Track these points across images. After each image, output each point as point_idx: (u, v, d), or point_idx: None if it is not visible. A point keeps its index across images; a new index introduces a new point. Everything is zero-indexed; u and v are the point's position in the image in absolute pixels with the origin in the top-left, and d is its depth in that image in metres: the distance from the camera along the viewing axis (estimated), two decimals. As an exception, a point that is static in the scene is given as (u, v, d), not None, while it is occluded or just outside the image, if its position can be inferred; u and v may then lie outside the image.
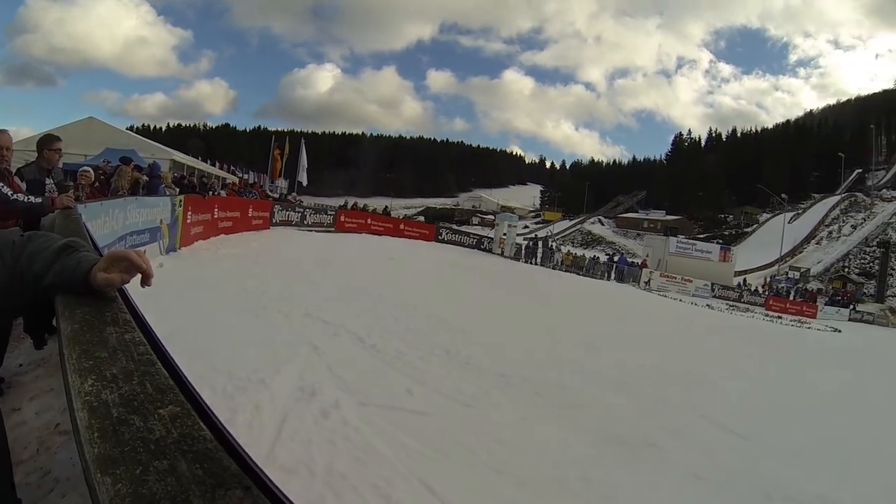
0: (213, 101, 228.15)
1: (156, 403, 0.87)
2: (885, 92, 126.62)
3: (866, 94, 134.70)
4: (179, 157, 26.90)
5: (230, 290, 8.46)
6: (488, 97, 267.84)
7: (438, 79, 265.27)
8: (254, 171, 40.23)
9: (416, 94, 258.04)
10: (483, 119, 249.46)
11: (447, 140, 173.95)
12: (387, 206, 45.82)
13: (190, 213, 12.65)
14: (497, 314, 12.19)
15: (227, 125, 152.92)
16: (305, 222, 23.24)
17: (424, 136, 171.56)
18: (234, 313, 7.17)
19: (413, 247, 24.19)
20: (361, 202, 44.28)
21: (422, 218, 69.95)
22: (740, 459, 5.76)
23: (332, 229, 24.68)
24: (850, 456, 6.89)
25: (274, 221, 20.49)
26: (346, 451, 3.93)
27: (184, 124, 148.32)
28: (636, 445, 5.51)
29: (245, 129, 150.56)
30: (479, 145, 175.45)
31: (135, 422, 0.81)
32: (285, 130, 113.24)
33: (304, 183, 30.68)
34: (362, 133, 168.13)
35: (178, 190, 13.92)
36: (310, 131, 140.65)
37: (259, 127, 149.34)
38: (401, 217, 43.91)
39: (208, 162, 36.21)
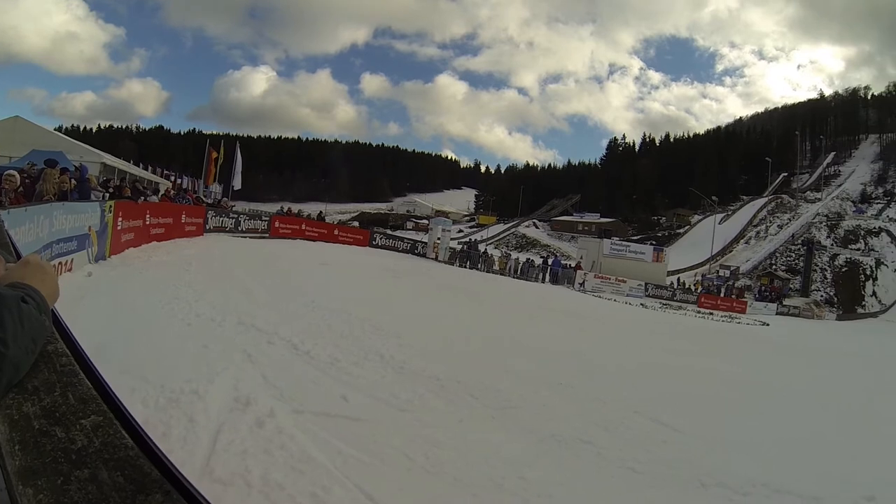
0: (145, 101, 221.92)
1: (78, 414, 0.86)
2: (810, 101, 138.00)
3: (792, 102, 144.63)
4: (110, 159, 26.06)
5: (162, 298, 8.24)
6: (422, 102, 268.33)
7: (373, 83, 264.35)
8: (188, 175, 39.43)
9: (350, 99, 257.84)
10: (417, 123, 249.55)
11: (382, 145, 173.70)
12: (321, 212, 45.59)
13: (120, 219, 12.22)
14: (431, 318, 12.18)
15: (161, 127, 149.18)
16: (240, 228, 22.78)
17: (360, 141, 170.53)
18: (166, 323, 7.00)
19: (347, 252, 24.02)
20: (296, 207, 43.91)
21: (356, 223, 69.62)
22: (674, 451, 5.88)
23: (267, 235, 24.26)
24: (778, 441, 7.13)
25: (207, 228, 20.00)
26: (282, 461, 3.87)
27: (115, 126, 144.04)
28: (571, 443, 5.55)
29: (179, 132, 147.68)
30: (413, 150, 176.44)
31: (56, 433, 0.80)
32: (220, 134, 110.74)
33: (238, 186, 30.04)
34: (297, 137, 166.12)
35: (103, 192, 13.57)
36: (245, 135, 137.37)
37: (193, 130, 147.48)
38: (335, 222, 43.53)
39: (140, 165, 35.34)
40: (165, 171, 36.80)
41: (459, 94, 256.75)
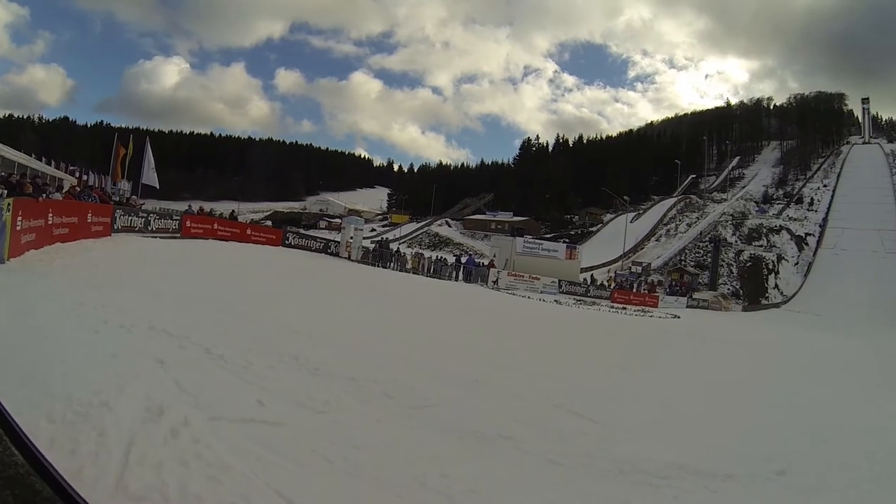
0: (48, 89, 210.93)
1: (-36, 432, 0.85)
2: (717, 108, 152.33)
3: (700, 109, 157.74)
4: (10, 153, 24.83)
5: (67, 304, 7.82)
6: (337, 99, 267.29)
7: (287, 78, 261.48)
8: (94, 171, 37.90)
9: (264, 94, 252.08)
10: (331, 121, 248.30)
11: (296, 142, 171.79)
12: (234, 211, 44.59)
13: (20, 218, 11.26)
14: (345, 319, 12.03)
15: (66, 119, 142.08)
16: (150, 228, 21.88)
17: (273, 139, 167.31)
18: (71, 330, 6.61)
19: (260, 252, 23.53)
20: (208, 206, 42.86)
21: (269, 222, 68.38)
22: (593, 441, 6.01)
23: (178, 235, 23.45)
24: (692, 426, 7.46)
25: (115, 227, 19.04)
26: (199, 471, 3.71)
27: (15, 115, 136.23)
28: (492, 438, 5.57)
29: (86, 124, 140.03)
30: (327, 148, 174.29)
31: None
32: (129, 127, 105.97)
33: (157, 186, 28.87)
34: (210, 133, 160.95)
35: (1, 188, 12.90)
36: (155, 129, 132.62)
37: (101, 122, 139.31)
38: (248, 222, 42.74)
39: (43, 160, 33.82)
40: (70, 167, 35.24)
41: (374, 93, 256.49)
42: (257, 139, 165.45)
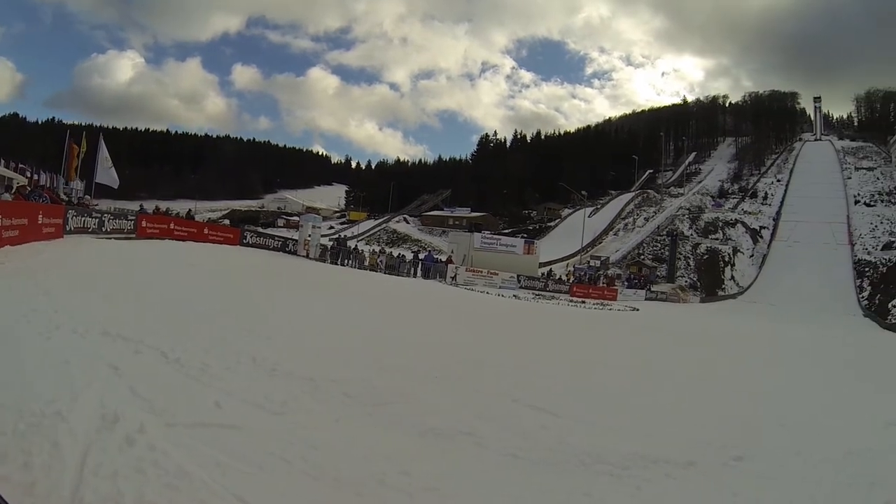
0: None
1: None
2: (674, 105, 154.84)
3: (658, 106, 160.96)
4: (-46, 151, 24.05)
5: (18, 310, 7.57)
6: (294, 95, 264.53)
7: (244, 74, 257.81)
8: (46, 170, 36.93)
9: (220, 90, 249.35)
10: (288, 118, 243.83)
11: (253, 139, 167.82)
12: (190, 210, 43.99)
13: None
14: (302, 318, 11.91)
15: (15, 115, 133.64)
16: (104, 229, 21.13)
17: (231, 136, 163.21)
18: (22, 337, 6.38)
19: (217, 252, 23.13)
20: (164, 205, 42.15)
21: (227, 221, 67.51)
22: (554, 435, 6.05)
23: (134, 236, 22.73)
24: (653, 417, 7.55)
25: (68, 229, 18.27)
26: (156, 479, 3.63)
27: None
28: (452, 435, 5.58)
29: (36, 121, 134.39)
30: (285, 145, 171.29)
31: None
32: (81, 124, 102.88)
33: (116, 184, 27.99)
34: (166, 130, 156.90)
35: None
36: (109, 126, 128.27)
37: (52, 119, 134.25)
38: (205, 221, 42.06)
39: (-9, 159, 32.84)
40: (20, 165, 34.26)
41: (331, 89, 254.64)
42: (214, 136, 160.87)
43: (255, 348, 7.58)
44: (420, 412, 6.20)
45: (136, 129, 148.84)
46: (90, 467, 3.61)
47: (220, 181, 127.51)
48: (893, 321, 46.82)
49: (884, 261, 66.40)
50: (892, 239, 73.23)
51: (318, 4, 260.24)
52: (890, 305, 54.48)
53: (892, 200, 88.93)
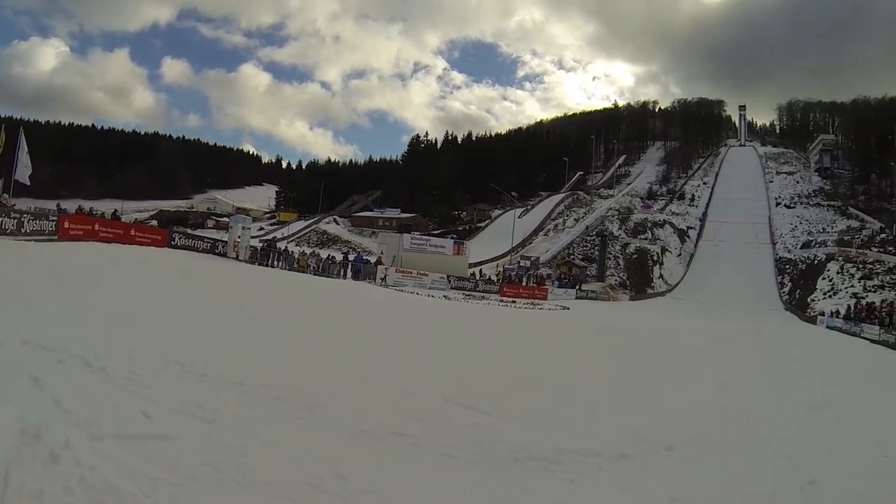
0: None
1: None
2: (605, 109, 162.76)
3: (589, 110, 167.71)
4: None
5: None
6: (224, 92, 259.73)
7: (174, 68, 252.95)
8: (-39, 168, 35.15)
9: (149, 84, 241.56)
10: (218, 115, 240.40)
11: (183, 137, 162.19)
12: (116, 210, 42.60)
13: None
14: (231, 321, 11.61)
15: None
16: (23, 230, 19.91)
17: (160, 133, 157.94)
18: None
19: (145, 254, 22.25)
20: (88, 205, 40.81)
21: (155, 222, 65.70)
22: (487, 433, 6.13)
23: (56, 238, 21.45)
24: (586, 412, 7.74)
25: None
26: (83, 497, 3.44)
27: None
28: (385, 436, 5.58)
29: None
30: (215, 144, 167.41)
31: None
32: (0, 116, 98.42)
33: (27, 182, 26.61)
34: (91, 125, 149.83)
35: None
36: (30, 119, 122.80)
37: None
38: (132, 222, 40.77)
39: None
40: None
41: (263, 86, 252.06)
42: (142, 133, 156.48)
43: (184, 354, 7.36)
44: (352, 414, 6.19)
45: (60, 122, 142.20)
46: (13, 487, 3.42)
47: (147, 180, 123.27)
48: (812, 314, 49.20)
49: (803, 259, 69.97)
50: (811, 238, 77.07)
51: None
52: (809, 300, 57.70)
53: (811, 203, 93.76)
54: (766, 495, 5.20)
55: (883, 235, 72.74)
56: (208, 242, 30.55)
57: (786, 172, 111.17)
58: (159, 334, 8.48)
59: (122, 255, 20.27)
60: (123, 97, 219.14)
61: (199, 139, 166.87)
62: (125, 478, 3.80)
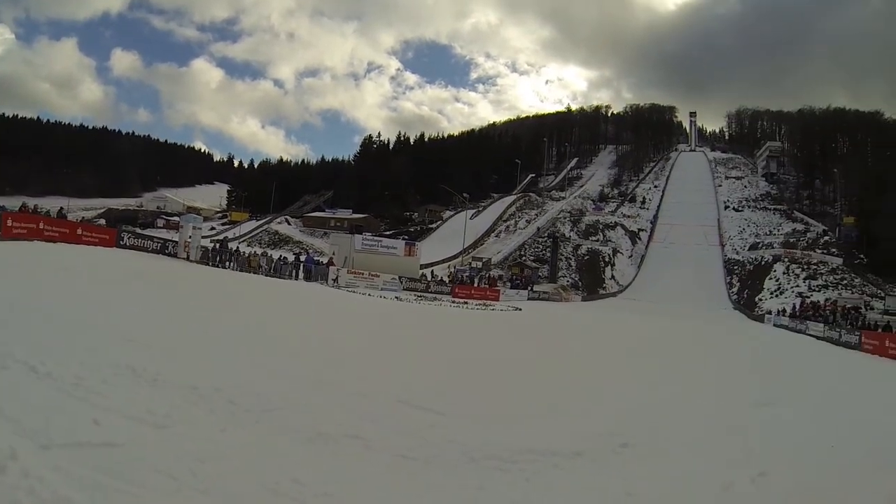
0: None
1: None
2: (559, 113, 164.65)
3: (543, 113, 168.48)
4: None
5: None
6: (175, 87, 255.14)
7: (123, 60, 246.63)
8: None
9: (97, 76, 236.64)
10: (168, 111, 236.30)
11: (132, 132, 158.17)
12: (62, 208, 41.51)
13: None
14: (183, 323, 11.40)
15: None
16: None
17: (108, 128, 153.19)
18: None
19: (92, 254, 21.46)
20: (32, 203, 39.68)
21: (103, 221, 64.16)
22: (442, 433, 6.17)
23: None
24: (540, 411, 7.84)
25: None
26: None
27: None
28: (340, 439, 5.56)
29: None
30: (166, 140, 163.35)
31: None
32: None
33: None
34: (36, 118, 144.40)
35: None
36: None
37: None
38: (79, 220, 39.82)
39: None
40: None
41: (214, 82, 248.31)
42: (90, 127, 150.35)
43: (135, 358, 7.18)
44: (307, 416, 6.16)
45: (3, 114, 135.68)
46: (-42, 505, 3.29)
47: (95, 177, 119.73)
48: (759, 313, 51.06)
49: (750, 260, 72.92)
50: (758, 241, 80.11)
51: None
52: (756, 299, 60.24)
53: (758, 207, 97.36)
54: (720, 487, 5.30)
55: (826, 238, 76.17)
56: (158, 242, 29.89)
57: (734, 177, 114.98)
58: (108, 338, 8.24)
59: (68, 256, 19.64)
60: (70, 89, 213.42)
61: (149, 135, 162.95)
62: (76, 488, 3.68)
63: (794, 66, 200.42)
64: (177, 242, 29.95)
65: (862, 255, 68.29)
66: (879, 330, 29.28)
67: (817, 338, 31.98)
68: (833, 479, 5.78)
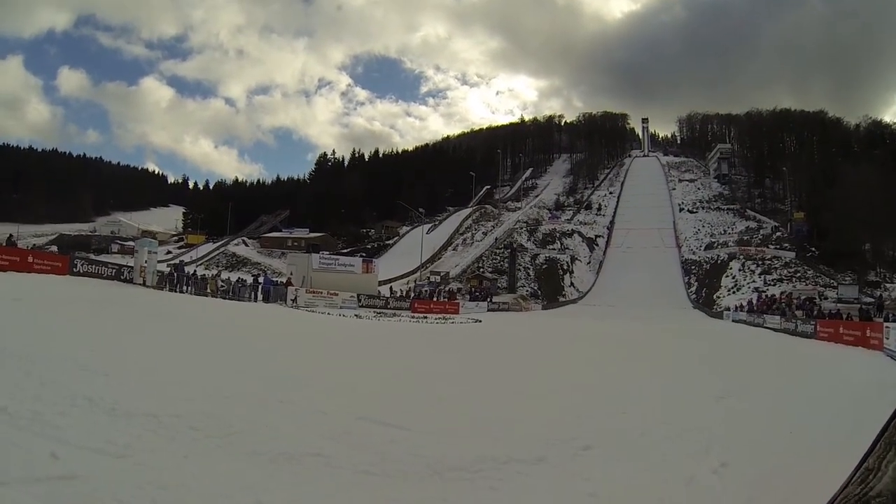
0: None
1: None
2: (512, 124, 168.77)
3: (496, 124, 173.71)
4: None
5: None
6: (125, 107, 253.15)
7: (71, 79, 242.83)
8: None
9: (44, 96, 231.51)
10: (119, 131, 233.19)
11: (84, 155, 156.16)
12: (11, 235, 40.64)
13: None
14: (140, 350, 11.05)
15: None
16: None
17: (59, 150, 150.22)
18: None
19: (44, 283, 21.00)
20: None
21: (55, 248, 62.82)
22: (404, 448, 6.13)
23: None
24: (502, 421, 7.80)
25: None
26: None
27: None
28: (301, 458, 5.49)
29: None
30: (118, 163, 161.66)
31: None
32: None
33: None
34: None
35: None
36: None
37: None
38: (29, 248, 39.03)
39: None
40: None
41: (165, 101, 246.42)
42: (39, 150, 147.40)
43: (92, 387, 7.05)
44: (268, 438, 6.08)
45: None
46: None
47: (46, 202, 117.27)
48: (718, 310, 53.38)
49: (707, 259, 75.21)
50: (713, 240, 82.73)
51: (154, 7, 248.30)
52: (715, 297, 62.75)
53: (712, 207, 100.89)
54: (683, 481, 5.40)
55: (778, 234, 79.29)
56: (113, 268, 29.43)
57: (687, 180, 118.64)
58: (64, 369, 8.07)
59: (19, 285, 19.19)
60: (16, 109, 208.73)
61: (101, 157, 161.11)
62: (35, 524, 3.63)
63: (741, 70, 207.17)
64: (132, 268, 29.52)
65: (813, 248, 71.05)
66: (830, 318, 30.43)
67: (775, 330, 32.95)
68: (793, 464, 5.94)
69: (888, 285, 59.05)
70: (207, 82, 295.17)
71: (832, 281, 58.86)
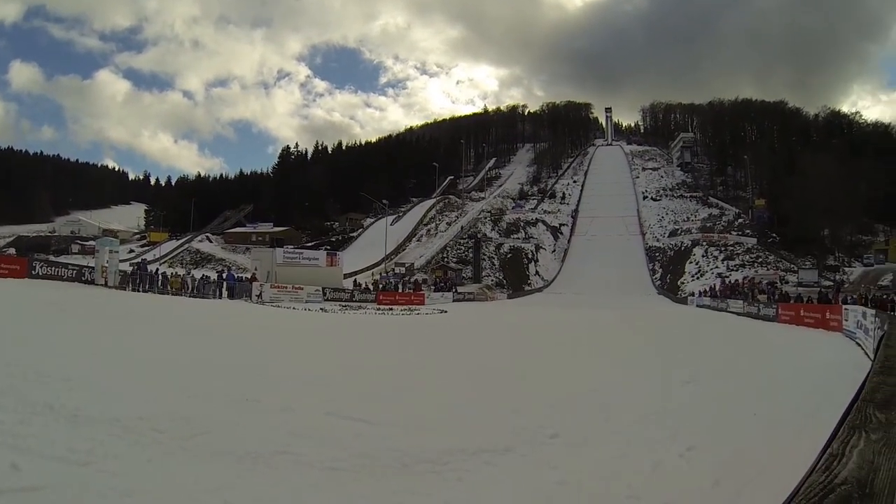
0: None
1: None
2: (475, 114, 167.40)
3: (459, 115, 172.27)
4: None
5: None
6: (80, 101, 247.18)
7: (23, 73, 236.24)
8: None
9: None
10: (74, 126, 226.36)
11: (40, 153, 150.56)
12: (-33, 239, 39.79)
13: None
14: (102, 353, 10.78)
15: None
16: None
17: (14, 148, 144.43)
18: None
19: (1, 287, 20.63)
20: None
21: (12, 250, 61.50)
22: (371, 441, 6.12)
23: None
24: (468, 412, 7.80)
25: None
26: None
27: None
28: (269, 456, 5.44)
29: None
30: (77, 160, 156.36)
31: None
32: None
33: None
34: None
35: None
36: None
37: None
38: (-14, 251, 38.23)
39: None
40: None
41: (121, 95, 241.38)
42: None
43: (52, 394, 6.89)
44: (235, 437, 6.02)
45: None
46: None
47: (2, 203, 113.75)
48: (683, 296, 54.17)
49: (671, 246, 76.74)
50: (677, 227, 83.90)
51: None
52: (679, 283, 63.69)
53: (675, 195, 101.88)
54: (650, 466, 5.48)
55: (740, 220, 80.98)
56: (74, 269, 28.91)
57: (651, 168, 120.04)
58: (23, 375, 7.89)
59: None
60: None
61: (58, 155, 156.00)
62: (0, 537, 3.57)
63: (703, 59, 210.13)
64: (93, 268, 29.03)
65: (774, 234, 72.49)
66: (793, 301, 31.39)
67: (738, 314, 33.41)
68: (757, 444, 6.08)
69: (846, 269, 60.67)
70: (164, 75, 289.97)
71: (793, 266, 60.67)
